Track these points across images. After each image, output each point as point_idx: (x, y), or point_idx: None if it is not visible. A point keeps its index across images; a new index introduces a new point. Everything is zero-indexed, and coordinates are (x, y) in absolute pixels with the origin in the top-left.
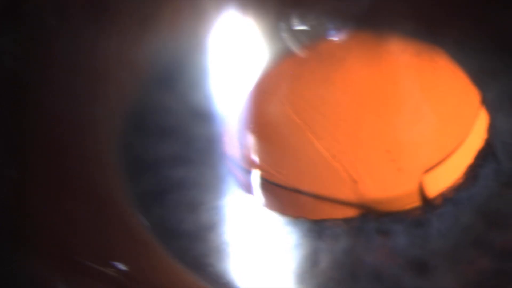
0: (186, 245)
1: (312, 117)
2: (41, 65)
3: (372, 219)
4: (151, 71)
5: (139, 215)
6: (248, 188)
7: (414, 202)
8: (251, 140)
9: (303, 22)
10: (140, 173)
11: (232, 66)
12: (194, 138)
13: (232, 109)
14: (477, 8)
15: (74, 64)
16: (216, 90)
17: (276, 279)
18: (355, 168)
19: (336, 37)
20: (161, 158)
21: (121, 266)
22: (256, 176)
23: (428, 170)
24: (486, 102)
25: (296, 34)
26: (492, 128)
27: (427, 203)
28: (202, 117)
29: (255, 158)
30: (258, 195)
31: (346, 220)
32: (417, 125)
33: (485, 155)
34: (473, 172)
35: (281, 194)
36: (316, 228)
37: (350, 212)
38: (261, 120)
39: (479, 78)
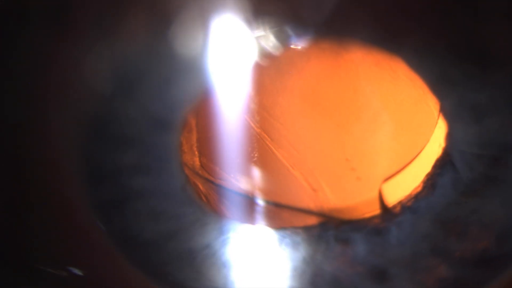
0: (146, 254)
1: (271, 126)
2: None
3: (331, 228)
4: (111, 80)
5: (99, 224)
6: (207, 197)
7: (373, 210)
8: (210, 149)
9: (263, 29)
10: (100, 182)
11: (191, 74)
12: (154, 147)
13: (191, 118)
14: (436, 18)
15: (33, 72)
16: (176, 99)
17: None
18: (314, 177)
19: (296, 45)
20: (121, 167)
21: (81, 274)
22: (215, 184)
23: (387, 178)
24: (445, 111)
25: (256, 41)
26: (450, 137)
27: (386, 212)
28: (162, 126)
29: (215, 167)
30: (217, 204)
31: (306, 229)
32: (376, 134)
33: (444, 164)
34: (431, 180)
35: (241, 202)
36: (276, 236)
37: (310, 221)
38: (220, 129)
39: (437, 87)
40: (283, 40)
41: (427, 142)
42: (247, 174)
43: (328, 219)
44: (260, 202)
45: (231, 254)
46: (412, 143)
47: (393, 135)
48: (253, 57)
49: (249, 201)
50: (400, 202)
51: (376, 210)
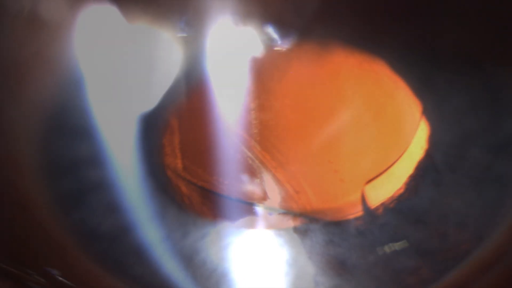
0: (105, 247)
1: (254, 128)
2: None
3: (314, 229)
4: (68, 71)
5: (58, 217)
6: (190, 199)
7: (356, 212)
8: (193, 151)
9: (247, 32)
10: (58, 175)
11: (162, 69)
12: (112, 139)
13: (173, 120)
14: (418, 21)
15: None
16: (140, 93)
17: (194, 282)
18: (297, 179)
19: (279, 47)
20: (79, 160)
21: (40, 270)
22: (198, 187)
23: (369, 180)
24: (427, 113)
25: (239, 43)
26: (432, 139)
27: (369, 213)
28: (120, 118)
29: (197, 169)
30: (200, 206)
31: (288, 230)
32: (358, 136)
33: (426, 165)
34: (413, 182)
35: (223, 204)
36: (236, 231)
37: (293, 222)
38: (203, 131)
39: (419, 89)
40: (266, 42)
41: (410, 144)
42: (230, 176)
43: (311, 220)
44: (243, 203)
45: (209, 254)
46: (395, 145)
47: (376, 137)
48: (236, 59)
49: (232, 202)
50: (382, 204)
51: (359, 212)
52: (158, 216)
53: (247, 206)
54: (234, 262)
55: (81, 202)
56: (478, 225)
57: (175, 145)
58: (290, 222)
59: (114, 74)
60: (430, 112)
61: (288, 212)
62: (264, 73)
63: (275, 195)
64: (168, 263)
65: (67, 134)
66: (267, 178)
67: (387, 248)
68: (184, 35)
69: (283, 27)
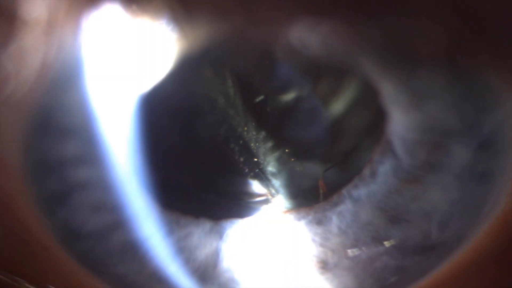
0: (89, 246)
1: None
2: None
3: (273, 218)
4: (53, 70)
5: (42, 217)
6: (154, 189)
7: (314, 200)
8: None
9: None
10: (41, 175)
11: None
12: (97, 138)
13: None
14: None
15: None
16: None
17: (178, 280)
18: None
19: None
20: (64, 159)
21: (23, 271)
22: (161, 175)
23: (328, 168)
24: (384, 98)
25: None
26: (391, 124)
27: (327, 201)
28: (105, 116)
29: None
30: (162, 196)
31: (249, 220)
32: (316, 124)
33: (384, 151)
34: (372, 168)
35: (184, 195)
36: (217, 229)
37: (253, 211)
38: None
39: (376, 74)
40: None
41: (366, 131)
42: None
43: (271, 209)
44: (202, 194)
45: (175, 247)
46: (353, 131)
47: (333, 124)
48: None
49: (191, 192)
50: (341, 191)
51: (317, 200)
52: (142, 216)
53: (206, 196)
54: (216, 259)
55: (65, 202)
56: (461, 223)
57: None
58: (250, 211)
59: None
60: (387, 97)
61: (246, 200)
62: None
63: (234, 183)
64: (152, 261)
65: (51, 133)
66: (229, 168)
67: (369, 247)
68: None
69: None
